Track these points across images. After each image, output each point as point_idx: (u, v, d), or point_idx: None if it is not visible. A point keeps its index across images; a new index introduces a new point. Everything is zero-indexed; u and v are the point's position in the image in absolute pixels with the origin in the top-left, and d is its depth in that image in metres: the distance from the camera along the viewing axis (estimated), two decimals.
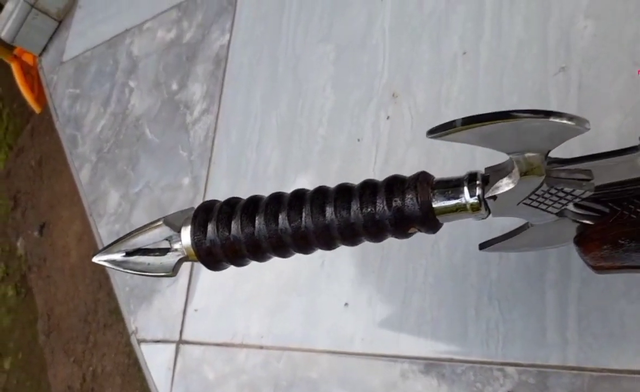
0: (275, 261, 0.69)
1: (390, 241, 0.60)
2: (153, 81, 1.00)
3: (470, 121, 0.31)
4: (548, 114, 0.31)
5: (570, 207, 0.36)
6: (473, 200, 0.35)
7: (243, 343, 0.68)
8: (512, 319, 0.50)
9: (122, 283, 0.87)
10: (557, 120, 0.30)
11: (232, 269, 0.73)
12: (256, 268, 0.69)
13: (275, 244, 0.41)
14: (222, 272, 0.74)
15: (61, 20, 1.36)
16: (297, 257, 0.66)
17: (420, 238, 0.58)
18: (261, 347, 0.66)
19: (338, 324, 0.61)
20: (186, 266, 0.79)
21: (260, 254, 0.42)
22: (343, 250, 0.63)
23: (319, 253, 0.65)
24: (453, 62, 0.63)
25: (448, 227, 0.56)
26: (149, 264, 0.45)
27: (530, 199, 0.34)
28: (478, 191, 0.35)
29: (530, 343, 0.49)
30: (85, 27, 1.28)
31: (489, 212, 0.36)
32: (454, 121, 0.32)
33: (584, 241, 0.36)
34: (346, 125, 0.69)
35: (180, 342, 0.75)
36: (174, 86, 0.95)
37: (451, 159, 0.59)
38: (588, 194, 0.34)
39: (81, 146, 1.09)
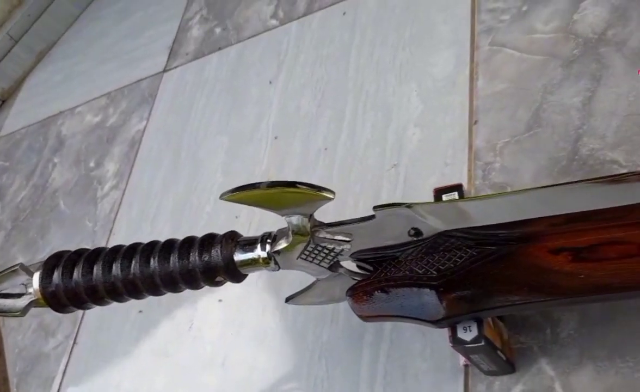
0: (147, 322, 0.75)
1: (248, 305, 0.67)
2: (74, 159, 1.08)
3: (273, 185, 0.40)
4: (320, 188, 0.40)
5: (344, 264, 0.45)
6: (263, 254, 0.44)
7: None
8: (335, 376, 0.57)
9: (13, 345, 0.89)
10: (320, 193, 0.39)
11: (112, 331, 0.78)
12: (133, 330, 0.74)
13: (110, 290, 0.47)
14: (103, 334, 0.79)
15: (5, 99, 1.45)
16: (169, 319, 0.72)
17: (273, 304, 0.66)
18: None
19: (198, 385, 0.66)
20: (71, 329, 0.82)
21: (98, 299, 0.48)
22: (209, 313, 0.69)
23: (187, 316, 0.71)
24: (316, 156, 0.73)
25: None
26: (4, 305, 0.51)
27: (305, 254, 0.43)
28: (268, 248, 0.44)
29: None
30: (25, 108, 1.37)
31: (279, 266, 0.44)
32: (259, 183, 0.41)
33: (352, 293, 0.44)
34: (228, 204, 0.78)
35: None
36: (92, 164, 1.03)
37: None
38: (348, 252, 0.42)
39: (0, 214, 1.13)
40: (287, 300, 0.49)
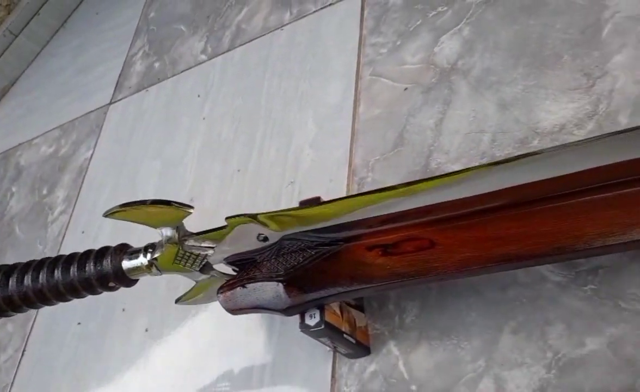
0: (85, 333, 0.83)
1: (168, 312, 0.75)
2: (30, 187, 1.16)
3: (156, 202, 0.49)
4: (182, 204, 0.49)
5: (221, 268, 0.54)
6: (145, 262, 0.53)
7: None
8: (235, 369, 0.65)
9: None
10: (182, 208, 0.49)
11: (55, 343, 0.86)
12: (73, 340, 0.82)
13: (23, 298, 0.56)
14: (47, 346, 0.87)
15: None
16: (102, 329, 0.80)
17: (212, 314, 0.74)
18: None
19: (125, 386, 0.74)
20: (20, 343, 0.90)
21: (15, 307, 0.57)
22: (136, 322, 0.77)
23: (119, 325, 0.80)
24: (231, 176, 0.83)
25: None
26: None
27: (177, 260, 0.52)
28: (149, 256, 0.52)
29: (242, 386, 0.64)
30: None
31: (160, 271, 0.53)
32: (138, 201, 0.50)
33: (221, 291, 0.53)
34: None
35: None
36: (45, 191, 1.12)
37: None
38: (212, 256, 0.51)
39: None
40: (177, 301, 0.58)
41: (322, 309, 0.51)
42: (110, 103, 1.15)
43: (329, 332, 0.51)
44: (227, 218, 0.49)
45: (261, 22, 0.97)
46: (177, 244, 0.51)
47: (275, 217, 0.49)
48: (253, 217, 0.49)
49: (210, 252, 0.51)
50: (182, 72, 1.05)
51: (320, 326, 0.50)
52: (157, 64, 1.12)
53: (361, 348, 0.56)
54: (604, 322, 0.47)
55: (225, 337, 0.68)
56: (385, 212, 0.48)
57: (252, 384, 0.63)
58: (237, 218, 0.49)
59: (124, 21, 1.32)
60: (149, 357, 0.74)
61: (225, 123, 0.90)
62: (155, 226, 0.50)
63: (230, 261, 0.54)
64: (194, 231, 0.53)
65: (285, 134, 0.81)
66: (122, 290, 0.79)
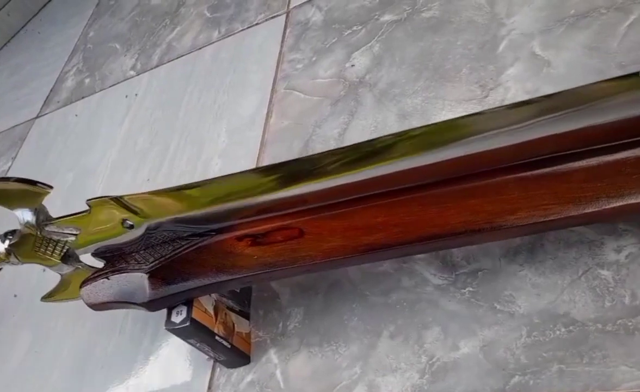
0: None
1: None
2: None
3: (20, 180, 0.46)
4: (37, 182, 0.46)
5: (82, 260, 0.50)
6: (3, 249, 0.48)
7: None
8: (113, 382, 0.60)
9: None
10: (42, 189, 0.45)
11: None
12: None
13: None
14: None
15: None
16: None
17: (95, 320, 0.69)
18: None
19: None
20: None
21: None
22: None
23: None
24: (140, 186, 0.79)
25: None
26: None
27: (37, 246, 0.48)
28: (7, 243, 0.48)
29: None
30: None
31: (19, 260, 0.49)
32: (7, 177, 0.46)
33: (83, 284, 0.49)
34: None
35: None
36: None
37: None
38: (74, 243, 0.48)
39: None
40: (42, 299, 0.54)
41: (190, 305, 0.48)
42: (37, 117, 1.11)
43: (197, 332, 0.48)
44: (89, 200, 0.46)
45: (191, 41, 0.97)
46: (35, 228, 0.47)
47: (144, 198, 0.46)
48: (116, 199, 0.46)
49: (71, 238, 0.48)
50: (109, 87, 1.03)
51: (186, 323, 0.47)
52: (87, 80, 1.10)
53: (240, 356, 0.53)
54: (479, 324, 0.45)
55: (106, 344, 0.63)
56: (261, 201, 0.46)
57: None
58: (98, 200, 0.46)
59: (64, 40, 1.30)
60: (30, 369, 0.68)
61: (142, 134, 0.88)
62: (12, 207, 0.47)
63: (97, 253, 0.50)
64: None
65: (197, 144, 0.78)
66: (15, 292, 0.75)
